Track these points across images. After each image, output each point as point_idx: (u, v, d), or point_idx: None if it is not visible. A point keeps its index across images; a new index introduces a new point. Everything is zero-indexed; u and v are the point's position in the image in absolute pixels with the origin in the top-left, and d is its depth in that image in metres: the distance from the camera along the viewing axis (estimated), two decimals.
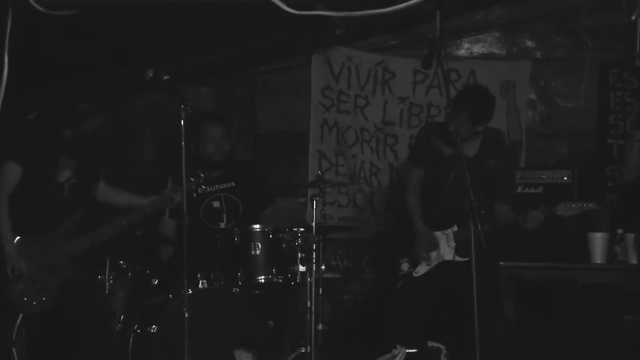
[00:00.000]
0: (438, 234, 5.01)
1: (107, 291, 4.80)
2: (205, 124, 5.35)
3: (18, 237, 4.39)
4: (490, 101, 5.03)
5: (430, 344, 4.56)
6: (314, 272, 4.68)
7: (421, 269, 5.00)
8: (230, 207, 5.40)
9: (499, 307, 5.03)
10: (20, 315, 4.44)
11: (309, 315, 4.63)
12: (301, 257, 4.83)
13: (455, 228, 4.96)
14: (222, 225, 5.33)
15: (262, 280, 4.88)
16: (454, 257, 4.93)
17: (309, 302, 4.66)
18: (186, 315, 3.92)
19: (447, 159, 4.95)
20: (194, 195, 5.17)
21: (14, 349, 4.43)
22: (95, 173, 4.78)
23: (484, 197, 4.74)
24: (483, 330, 3.79)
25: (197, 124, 5.30)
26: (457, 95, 5.22)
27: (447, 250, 4.98)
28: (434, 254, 4.99)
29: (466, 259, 4.78)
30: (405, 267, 5.02)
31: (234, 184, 5.43)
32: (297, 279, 4.86)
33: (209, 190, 5.38)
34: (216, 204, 5.39)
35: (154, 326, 4.55)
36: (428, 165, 5.10)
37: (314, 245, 4.70)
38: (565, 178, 5.37)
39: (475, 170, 4.76)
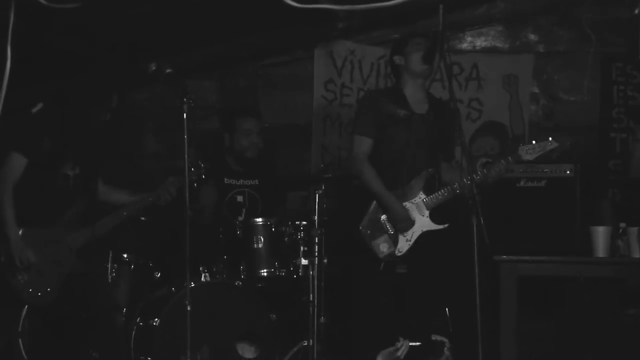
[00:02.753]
0: (407, 204, 4.69)
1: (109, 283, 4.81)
2: (243, 117, 5.38)
3: (22, 229, 4.40)
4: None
5: (434, 337, 4.52)
6: (316, 265, 4.69)
7: (403, 246, 4.68)
8: (251, 204, 5.43)
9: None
10: (26, 307, 4.45)
11: (311, 308, 4.64)
12: (303, 250, 4.84)
13: (421, 195, 4.68)
14: (240, 219, 5.30)
15: (265, 274, 4.90)
16: (431, 226, 4.68)
17: (311, 295, 4.66)
18: (188, 309, 3.93)
19: (403, 120, 4.73)
20: (195, 185, 5.15)
21: (20, 341, 4.45)
22: (97, 166, 4.78)
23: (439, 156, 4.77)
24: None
25: (235, 116, 5.36)
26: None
27: (423, 221, 4.69)
28: (411, 227, 4.67)
29: (444, 225, 4.67)
30: (384, 247, 4.67)
31: (257, 182, 5.47)
32: (299, 272, 4.86)
33: (235, 183, 5.42)
34: (240, 198, 5.43)
35: (156, 319, 4.56)
36: (382, 133, 4.75)
37: (316, 238, 4.71)
38: (568, 172, 5.34)
39: (428, 127, 4.74)
